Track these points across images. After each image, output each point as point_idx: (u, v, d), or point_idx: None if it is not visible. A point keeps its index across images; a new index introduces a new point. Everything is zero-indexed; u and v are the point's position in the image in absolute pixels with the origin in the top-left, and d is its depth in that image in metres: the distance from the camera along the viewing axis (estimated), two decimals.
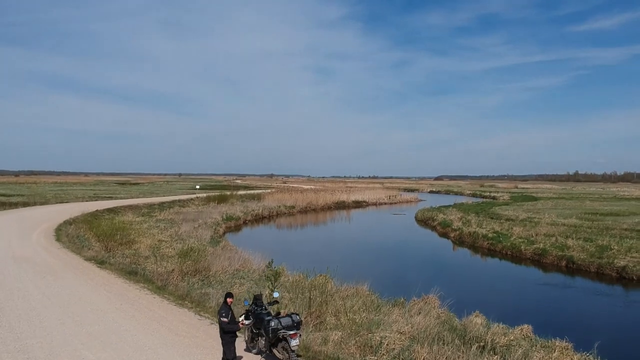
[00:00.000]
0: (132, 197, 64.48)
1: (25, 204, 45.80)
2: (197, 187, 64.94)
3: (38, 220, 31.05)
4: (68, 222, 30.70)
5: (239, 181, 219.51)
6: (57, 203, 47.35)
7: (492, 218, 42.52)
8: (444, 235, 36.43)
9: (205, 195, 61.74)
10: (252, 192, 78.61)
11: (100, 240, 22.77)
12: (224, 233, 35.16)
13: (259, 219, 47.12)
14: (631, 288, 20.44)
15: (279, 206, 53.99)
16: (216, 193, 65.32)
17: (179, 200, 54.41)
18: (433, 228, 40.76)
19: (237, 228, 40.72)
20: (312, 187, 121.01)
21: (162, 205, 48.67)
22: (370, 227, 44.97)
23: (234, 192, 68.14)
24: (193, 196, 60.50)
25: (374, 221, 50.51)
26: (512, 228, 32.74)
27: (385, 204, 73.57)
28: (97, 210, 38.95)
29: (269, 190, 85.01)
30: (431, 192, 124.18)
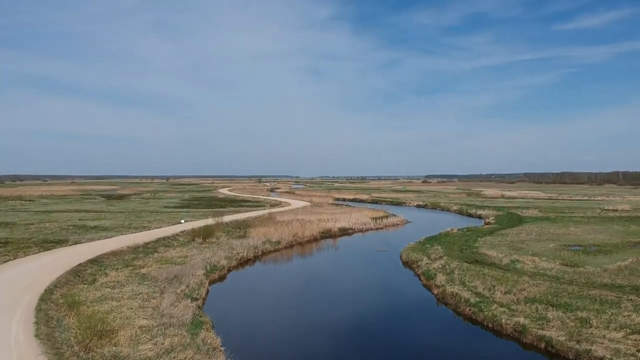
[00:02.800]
0: (117, 229, 64.08)
1: (5, 249, 45.44)
2: (183, 221, 64.83)
3: (19, 289, 30.63)
4: (49, 292, 30.46)
5: (225, 191, 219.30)
6: (41, 249, 46.76)
7: (476, 261, 42.89)
8: (428, 288, 36.61)
9: (190, 228, 61.62)
10: (238, 217, 78.62)
11: (79, 329, 22.77)
12: (207, 292, 35.10)
13: (243, 262, 47.09)
14: None
15: (264, 243, 53.96)
16: (202, 225, 65.49)
17: (164, 239, 54.14)
18: (417, 276, 40.91)
19: (222, 278, 40.73)
20: (300, 202, 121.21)
21: (146, 248, 48.47)
22: (353, 274, 44.87)
23: (220, 219, 68.26)
24: (178, 230, 60.21)
25: (357, 263, 50.16)
26: (494, 287, 32.91)
27: (372, 229, 73.78)
28: (79, 265, 38.67)
29: (257, 214, 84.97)
30: (418, 206, 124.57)
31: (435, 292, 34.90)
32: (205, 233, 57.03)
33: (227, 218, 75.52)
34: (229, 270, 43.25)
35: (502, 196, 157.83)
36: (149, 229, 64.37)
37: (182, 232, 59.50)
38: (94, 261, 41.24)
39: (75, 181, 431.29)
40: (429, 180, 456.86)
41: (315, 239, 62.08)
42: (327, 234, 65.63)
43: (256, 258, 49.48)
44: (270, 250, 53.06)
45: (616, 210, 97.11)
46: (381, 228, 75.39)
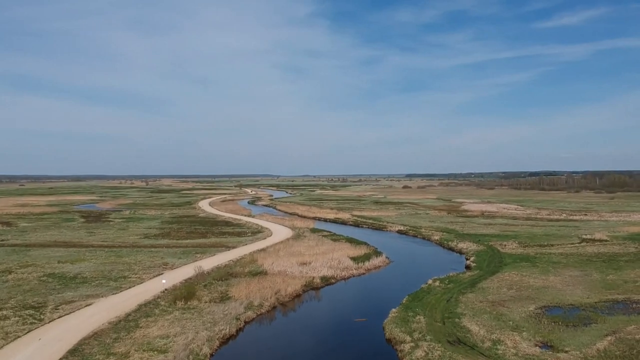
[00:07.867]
0: (97, 282, 63.82)
1: None
2: (164, 281, 64.64)
3: None
4: None
5: (206, 206, 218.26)
6: (19, 319, 46.17)
7: (458, 341, 43.52)
8: None
9: (172, 285, 61.56)
10: (219, 261, 78.70)
11: None
12: None
13: (226, 339, 46.83)
14: None
15: (246, 308, 53.69)
16: (183, 275, 65.57)
17: (145, 305, 53.88)
18: None
19: None
20: (281, 229, 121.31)
21: (127, 322, 48.25)
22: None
23: (200, 270, 68.60)
24: (159, 291, 59.85)
25: (339, 342, 49.64)
26: None
27: (354, 275, 74.11)
28: None
29: (239, 253, 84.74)
30: (399, 232, 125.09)
31: None
32: (187, 293, 56.89)
33: (208, 264, 75.77)
34: (212, 355, 42.98)
35: (483, 214, 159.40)
36: (131, 283, 64.11)
37: (164, 292, 59.25)
38: (74, 352, 40.83)
39: (53, 187, 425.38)
40: (409, 185, 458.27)
41: (297, 295, 62.04)
42: (310, 286, 65.75)
43: (239, 331, 49.28)
44: (253, 318, 52.85)
45: (594, 242, 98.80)
46: (363, 273, 75.72)
